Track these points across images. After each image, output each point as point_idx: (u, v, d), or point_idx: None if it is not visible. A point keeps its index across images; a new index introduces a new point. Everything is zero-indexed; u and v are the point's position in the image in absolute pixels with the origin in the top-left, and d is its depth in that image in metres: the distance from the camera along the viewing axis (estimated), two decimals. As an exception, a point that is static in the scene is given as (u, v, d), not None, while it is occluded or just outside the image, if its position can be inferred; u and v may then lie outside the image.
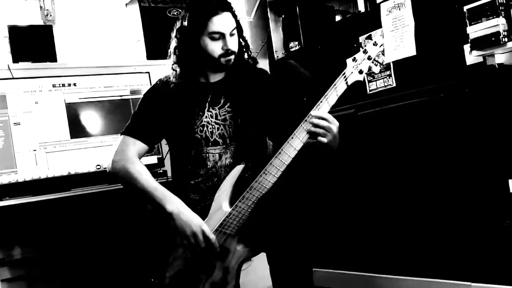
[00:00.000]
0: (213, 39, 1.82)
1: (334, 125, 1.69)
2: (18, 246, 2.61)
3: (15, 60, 2.67)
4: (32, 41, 2.71)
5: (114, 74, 2.72)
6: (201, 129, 1.87)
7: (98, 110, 2.63)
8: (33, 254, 2.62)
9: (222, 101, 1.90)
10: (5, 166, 2.39)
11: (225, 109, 1.89)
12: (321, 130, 1.67)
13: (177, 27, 1.89)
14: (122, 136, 1.89)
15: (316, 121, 1.66)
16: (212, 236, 1.74)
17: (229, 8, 1.83)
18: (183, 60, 1.87)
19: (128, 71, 2.83)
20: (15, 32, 2.68)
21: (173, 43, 1.90)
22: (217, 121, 1.88)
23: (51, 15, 2.95)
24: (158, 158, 2.71)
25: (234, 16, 1.85)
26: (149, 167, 2.60)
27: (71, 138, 2.55)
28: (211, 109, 1.89)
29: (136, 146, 1.86)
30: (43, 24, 2.91)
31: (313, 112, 1.68)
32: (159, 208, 1.77)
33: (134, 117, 1.93)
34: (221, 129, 1.88)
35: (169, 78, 1.92)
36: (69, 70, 2.73)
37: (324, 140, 1.67)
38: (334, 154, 1.76)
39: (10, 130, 2.42)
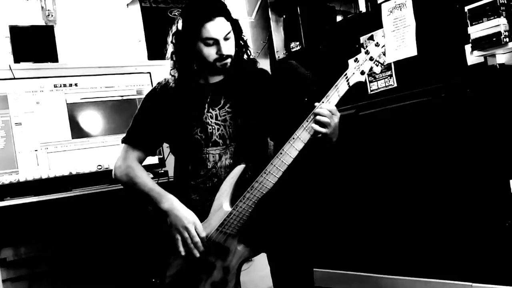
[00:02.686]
0: (207, 44, 1.81)
1: (336, 115, 1.70)
2: (19, 246, 2.61)
3: (16, 60, 2.67)
4: (34, 41, 2.72)
5: (115, 74, 2.73)
6: (201, 130, 1.87)
7: (99, 110, 2.63)
8: (34, 254, 2.62)
9: (222, 102, 1.90)
10: (6, 166, 2.40)
11: (225, 109, 1.89)
12: (325, 119, 1.66)
13: (172, 32, 1.89)
14: (122, 144, 1.93)
15: (321, 110, 1.67)
16: (204, 234, 1.76)
17: (222, 12, 1.81)
18: (181, 65, 1.88)
19: (130, 71, 2.84)
20: (16, 32, 2.69)
21: (170, 49, 1.90)
22: (217, 121, 1.88)
23: (52, 16, 2.95)
24: (159, 159, 2.71)
25: (229, 19, 1.83)
26: (150, 167, 2.63)
27: (72, 138, 2.55)
28: (211, 110, 1.89)
29: (135, 153, 1.91)
30: (44, 24, 2.91)
31: (318, 105, 1.68)
32: (156, 207, 1.80)
33: (134, 125, 1.95)
34: (221, 130, 1.88)
35: (168, 81, 1.92)
36: (70, 70, 2.74)
37: (326, 131, 1.68)
38: (334, 147, 1.77)
39: (11, 130, 2.42)
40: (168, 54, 1.91)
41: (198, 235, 1.75)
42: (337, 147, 1.78)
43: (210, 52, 1.82)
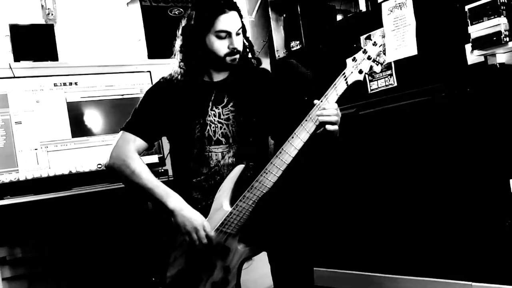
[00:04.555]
0: (219, 37, 1.82)
1: (339, 113, 1.72)
2: (19, 245, 2.61)
3: (16, 59, 2.67)
4: (34, 40, 2.71)
5: (115, 73, 2.72)
6: (204, 128, 1.87)
7: (99, 109, 2.63)
8: (34, 253, 2.62)
9: (225, 100, 1.90)
10: (6, 165, 2.40)
11: (228, 108, 1.89)
12: (332, 118, 1.68)
13: (182, 25, 1.89)
14: (121, 132, 1.89)
15: (327, 111, 1.68)
16: (212, 234, 1.75)
17: (235, 7, 1.84)
18: (188, 58, 1.88)
19: (130, 70, 2.84)
20: (16, 31, 2.68)
21: (179, 41, 1.90)
22: (220, 120, 1.88)
23: (52, 14, 2.95)
24: (159, 157, 2.71)
25: (240, 15, 1.86)
26: (150, 166, 2.61)
27: (72, 137, 2.55)
28: (214, 108, 1.89)
29: (136, 142, 1.86)
30: (44, 23, 2.91)
31: (317, 103, 1.70)
32: (160, 205, 1.78)
33: (135, 114, 1.92)
34: (224, 128, 1.88)
35: (173, 76, 1.92)
36: (70, 69, 2.73)
37: (333, 128, 1.69)
38: (339, 143, 1.78)
39: (11, 129, 2.42)
40: (177, 47, 1.91)
41: (208, 234, 1.75)
42: (340, 143, 1.79)
43: (222, 45, 1.83)
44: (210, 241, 1.76)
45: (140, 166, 1.82)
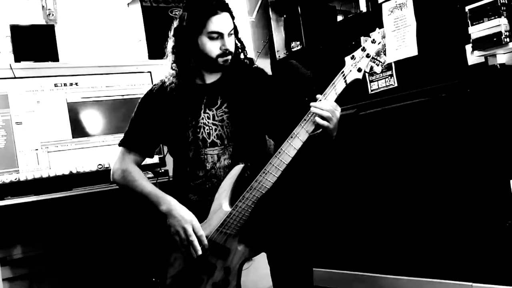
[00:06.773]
0: (211, 38, 1.82)
1: (337, 110, 1.71)
2: (19, 245, 2.61)
3: (17, 60, 2.67)
4: (34, 41, 2.72)
5: (116, 74, 2.73)
6: (198, 130, 1.88)
7: (100, 110, 2.63)
8: (34, 253, 2.63)
9: (219, 102, 1.90)
10: (7, 165, 2.40)
11: (222, 109, 1.89)
12: (327, 113, 1.67)
13: (174, 26, 1.90)
14: (120, 147, 1.95)
15: (322, 105, 1.68)
16: (201, 233, 1.76)
17: (228, 8, 1.85)
18: (181, 59, 1.88)
19: (130, 70, 2.84)
20: (17, 32, 2.69)
21: (171, 43, 1.91)
22: (214, 122, 1.88)
23: (53, 15, 2.96)
24: (159, 158, 2.71)
25: (232, 17, 1.87)
26: (151, 166, 2.63)
27: (73, 137, 2.55)
28: (207, 111, 1.89)
29: (132, 156, 1.93)
30: (45, 23, 2.92)
31: (317, 102, 1.69)
32: (155, 209, 1.82)
33: (130, 128, 1.96)
34: (219, 130, 1.88)
35: (164, 82, 1.93)
36: (71, 69, 2.74)
37: (330, 125, 1.68)
38: (334, 143, 1.77)
39: (12, 130, 2.43)
40: (169, 48, 1.92)
41: (196, 233, 1.75)
42: (336, 144, 1.79)
43: (214, 47, 1.83)
44: (200, 238, 1.76)
45: (135, 177, 1.88)
